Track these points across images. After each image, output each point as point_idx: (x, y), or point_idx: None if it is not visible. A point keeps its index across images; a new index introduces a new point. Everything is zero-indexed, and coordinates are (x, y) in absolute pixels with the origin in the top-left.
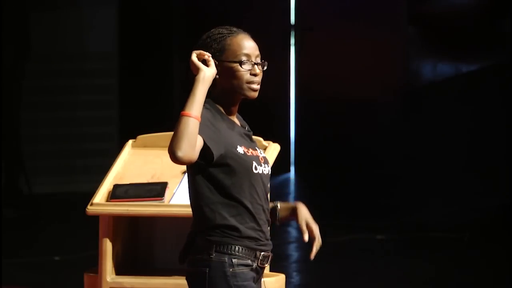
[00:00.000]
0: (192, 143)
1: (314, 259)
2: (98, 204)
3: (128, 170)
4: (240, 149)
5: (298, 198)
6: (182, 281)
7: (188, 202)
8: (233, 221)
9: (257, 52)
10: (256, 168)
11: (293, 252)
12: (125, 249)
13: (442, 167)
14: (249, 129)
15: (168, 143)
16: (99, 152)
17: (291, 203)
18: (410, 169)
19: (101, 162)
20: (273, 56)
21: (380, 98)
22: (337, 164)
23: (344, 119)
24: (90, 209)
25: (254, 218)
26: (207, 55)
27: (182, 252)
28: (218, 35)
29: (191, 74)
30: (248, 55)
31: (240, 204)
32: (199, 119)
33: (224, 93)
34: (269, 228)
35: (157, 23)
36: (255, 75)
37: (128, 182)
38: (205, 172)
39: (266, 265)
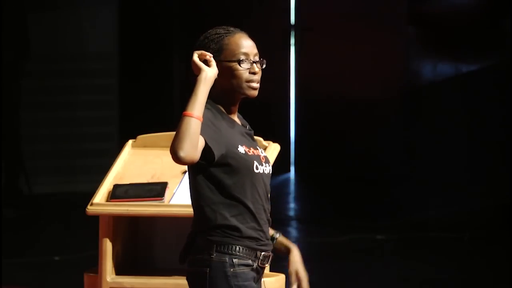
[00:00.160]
0: (194, 144)
1: (314, 259)
2: (98, 204)
3: (128, 170)
4: (241, 149)
5: (298, 198)
6: (182, 281)
7: (188, 202)
8: (234, 221)
9: (255, 51)
10: (257, 168)
11: None
12: (125, 249)
13: (442, 167)
14: (250, 128)
15: (168, 143)
16: (99, 152)
17: (289, 242)
18: (410, 169)
19: (101, 162)
20: (273, 56)
21: (380, 98)
22: (337, 164)
23: (344, 119)
24: (90, 209)
25: (255, 218)
26: (209, 56)
27: (183, 252)
28: (216, 35)
29: (192, 74)
30: (246, 54)
31: (241, 204)
32: (201, 119)
33: (224, 93)
34: (269, 228)
35: (157, 23)
36: (254, 73)
37: (128, 182)
38: (206, 172)
39: (266, 265)
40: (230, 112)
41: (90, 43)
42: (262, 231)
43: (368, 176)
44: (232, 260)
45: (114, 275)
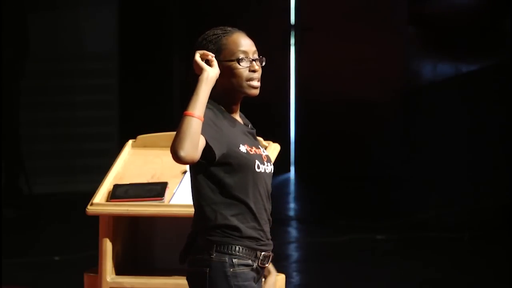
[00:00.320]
0: (194, 143)
1: (314, 259)
2: (98, 204)
3: (128, 170)
4: (243, 148)
5: (298, 198)
6: (182, 281)
7: (188, 202)
8: (234, 221)
9: (254, 48)
10: (258, 167)
11: (293, 252)
12: (125, 249)
13: (442, 167)
14: (252, 127)
15: (168, 143)
16: (99, 152)
17: (272, 268)
18: (410, 169)
19: (101, 162)
20: (273, 56)
21: (380, 98)
22: (337, 164)
23: (344, 119)
24: (90, 209)
25: (256, 218)
26: (210, 56)
27: (183, 252)
28: (214, 36)
29: (192, 74)
30: (245, 52)
31: (243, 203)
32: (202, 119)
33: (225, 92)
34: (270, 227)
35: (157, 23)
36: (254, 71)
37: (128, 182)
38: (207, 171)
39: (266, 265)
40: (231, 111)
41: (90, 43)
42: (263, 230)
43: (368, 176)
44: (232, 260)
45: (114, 275)
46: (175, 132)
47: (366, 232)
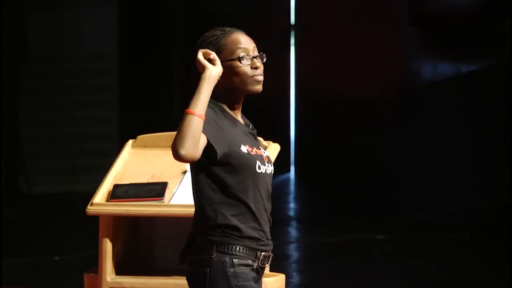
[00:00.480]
0: (195, 142)
1: (314, 259)
2: (98, 204)
3: (128, 170)
4: (244, 148)
5: (298, 198)
6: (182, 281)
7: (188, 202)
8: (234, 221)
9: (254, 45)
10: (259, 168)
11: (293, 252)
12: (125, 249)
13: (442, 167)
14: (253, 127)
15: (168, 143)
16: (99, 152)
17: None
18: (410, 169)
19: (101, 162)
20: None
21: (380, 98)
22: (337, 164)
23: (344, 119)
24: (90, 209)
25: (256, 218)
26: (213, 54)
27: (183, 252)
28: (213, 37)
29: (194, 74)
30: (245, 50)
31: (243, 203)
32: (203, 117)
33: (227, 92)
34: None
35: (157, 23)
36: (256, 68)
37: (128, 182)
38: (208, 171)
39: (266, 265)
40: (233, 110)
41: (90, 43)
42: (263, 231)
43: (368, 176)
44: (233, 260)
45: (114, 275)
46: (175, 132)
47: (366, 232)
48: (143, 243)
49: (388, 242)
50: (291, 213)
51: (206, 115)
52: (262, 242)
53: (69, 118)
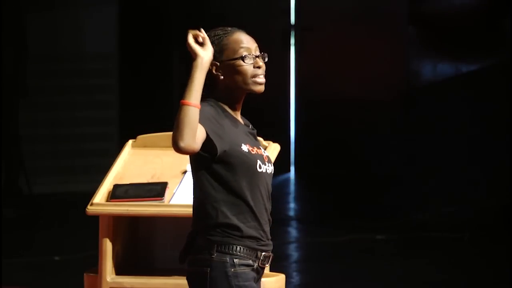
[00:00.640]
0: (193, 132)
1: (314, 259)
2: (98, 204)
3: (128, 170)
4: (245, 147)
5: (298, 198)
6: (182, 281)
7: (188, 202)
8: (234, 220)
9: (256, 45)
10: (260, 167)
11: (293, 252)
12: (125, 249)
13: (442, 167)
14: (253, 127)
15: (168, 143)
16: (99, 152)
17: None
18: (410, 169)
19: (101, 162)
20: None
21: (380, 98)
22: (337, 164)
23: (344, 119)
24: (90, 209)
25: (256, 218)
26: (203, 34)
27: (183, 252)
28: (215, 37)
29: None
30: (248, 49)
31: (243, 202)
32: (199, 106)
33: (228, 91)
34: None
35: (156, 23)
36: (258, 67)
37: (128, 182)
38: (209, 169)
39: (266, 265)
40: (234, 110)
41: (90, 43)
42: (263, 230)
43: (368, 176)
44: (233, 260)
45: (114, 275)
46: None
47: (366, 232)
48: (143, 243)
49: (388, 242)
50: (291, 213)
51: (206, 111)
52: (263, 242)
53: (69, 118)
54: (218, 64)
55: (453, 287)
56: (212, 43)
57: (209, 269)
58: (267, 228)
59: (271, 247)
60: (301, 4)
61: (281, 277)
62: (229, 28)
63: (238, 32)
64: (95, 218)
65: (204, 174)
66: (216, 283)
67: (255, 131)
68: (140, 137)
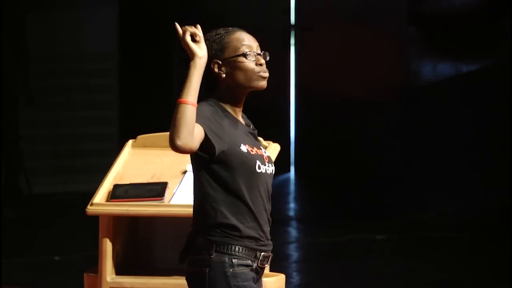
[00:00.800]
0: (190, 130)
1: (314, 259)
2: (98, 204)
3: (128, 170)
4: (244, 148)
5: (298, 198)
6: (182, 281)
7: (188, 202)
8: (234, 220)
9: (257, 43)
10: (259, 167)
11: (293, 252)
12: (125, 249)
13: (442, 167)
14: (253, 128)
15: (168, 143)
16: (99, 152)
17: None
18: (410, 169)
19: (101, 162)
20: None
21: (380, 98)
22: (337, 164)
23: (344, 119)
24: (90, 209)
25: (256, 218)
26: (198, 31)
27: (182, 252)
28: (216, 36)
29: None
30: (249, 46)
31: (243, 202)
32: (196, 105)
33: (229, 91)
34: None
35: (157, 23)
36: (261, 65)
37: (128, 182)
38: (209, 169)
39: (266, 265)
40: (234, 111)
41: (90, 43)
42: (263, 231)
43: (368, 176)
44: (232, 260)
45: (114, 275)
46: None
47: (366, 232)
48: (143, 243)
49: (388, 242)
50: (291, 213)
51: (205, 111)
52: (262, 242)
53: (69, 118)
54: (220, 62)
55: (453, 287)
56: (214, 41)
57: (208, 269)
58: (266, 229)
59: (270, 247)
60: (301, 4)
61: (281, 277)
62: (230, 28)
63: (239, 31)
64: (95, 218)
65: (203, 174)
66: (215, 283)
67: (255, 131)
68: (140, 137)
